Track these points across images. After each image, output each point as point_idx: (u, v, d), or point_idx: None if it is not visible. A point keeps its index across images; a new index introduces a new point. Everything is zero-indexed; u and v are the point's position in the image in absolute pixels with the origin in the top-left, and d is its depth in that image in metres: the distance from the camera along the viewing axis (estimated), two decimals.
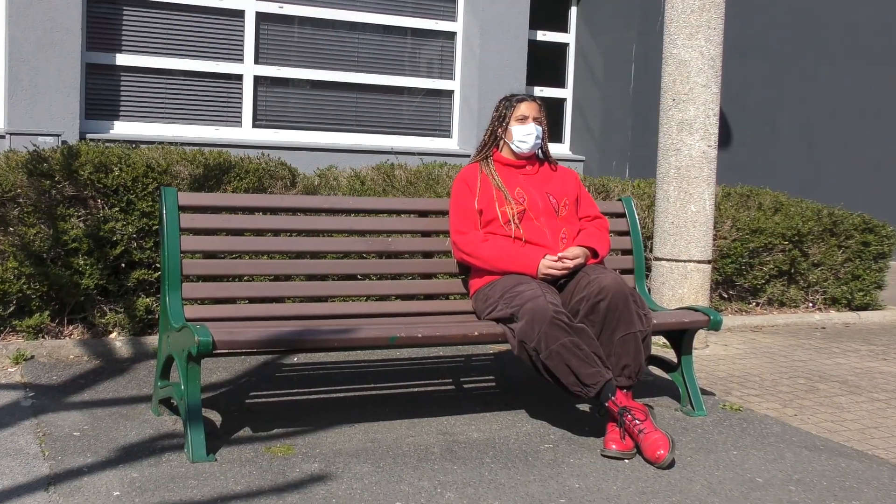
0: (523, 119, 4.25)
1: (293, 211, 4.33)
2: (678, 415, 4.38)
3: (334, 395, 4.45)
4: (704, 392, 4.73)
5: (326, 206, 4.38)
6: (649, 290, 5.83)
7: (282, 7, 8.00)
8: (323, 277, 4.41)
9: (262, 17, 7.94)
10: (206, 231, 4.10)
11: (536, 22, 9.05)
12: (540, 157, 4.38)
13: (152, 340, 5.04)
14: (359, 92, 8.39)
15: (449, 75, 8.76)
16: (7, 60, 6.91)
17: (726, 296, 7.12)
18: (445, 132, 8.79)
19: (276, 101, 8.08)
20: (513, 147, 4.26)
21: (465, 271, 4.36)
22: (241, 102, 7.91)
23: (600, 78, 9.28)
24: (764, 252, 7.08)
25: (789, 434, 4.18)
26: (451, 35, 8.70)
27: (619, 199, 4.85)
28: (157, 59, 7.57)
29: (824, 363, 5.76)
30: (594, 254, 4.20)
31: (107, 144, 5.55)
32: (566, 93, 9.57)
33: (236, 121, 7.92)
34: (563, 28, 9.53)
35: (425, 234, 4.51)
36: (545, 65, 9.41)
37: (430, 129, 8.73)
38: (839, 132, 9.87)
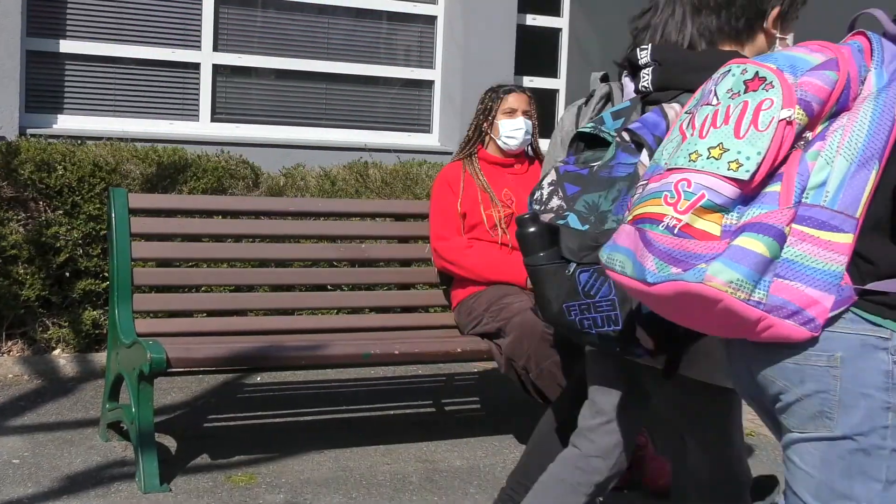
0: (511, 112, 4.26)
1: (256, 214, 4.34)
2: None
3: (301, 419, 4.46)
4: None
5: (293, 208, 4.40)
6: None
7: None
8: (289, 288, 4.42)
9: (221, 0, 7.95)
10: (160, 236, 4.11)
11: (526, 5, 9.09)
12: (530, 155, 4.40)
13: (100, 358, 5.03)
14: (329, 82, 8.39)
15: (429, 64, 8.78)
16: None
17: None
18: (425, 127, 8.81)
19: (238, 93, 8.08)
20: (500, 143, 4.28)
21: (447, 281, 4.37)
22: (198, 94, 7.91)
23: (597, 67, 9.32)
24: None
25: None
26: (431, 19, 8.73)
27: None
28: (105, 45, 7.56)
29: None
30: None
31: (49, 141, 5.53)
32: (559, 83, 9.61)
33: (193, 114, 7.91)
34: (556, 11, 9.58)
35: (402, 239, 4.53)
36: (536, 52, 9.45)
37: (407, 123, 8.75)
38: None
